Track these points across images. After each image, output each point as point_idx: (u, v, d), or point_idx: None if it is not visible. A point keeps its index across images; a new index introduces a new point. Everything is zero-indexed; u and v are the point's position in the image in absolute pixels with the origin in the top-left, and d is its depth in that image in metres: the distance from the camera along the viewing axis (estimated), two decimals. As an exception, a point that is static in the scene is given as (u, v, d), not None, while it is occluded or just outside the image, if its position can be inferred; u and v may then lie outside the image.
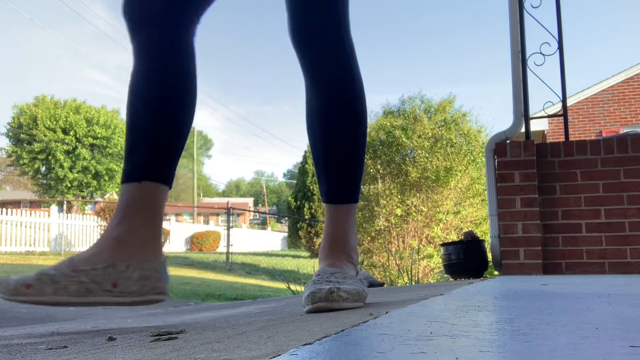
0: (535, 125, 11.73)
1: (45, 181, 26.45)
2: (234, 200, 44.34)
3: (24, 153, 25.50)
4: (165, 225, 21.11)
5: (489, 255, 3.14)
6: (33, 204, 34.15)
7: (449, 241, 4.60)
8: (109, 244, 1.09)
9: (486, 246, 3.46)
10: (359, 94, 1.30)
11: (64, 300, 1.05)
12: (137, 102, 1.16)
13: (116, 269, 1.07)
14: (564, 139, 3.04)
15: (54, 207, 14.75)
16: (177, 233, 21.80)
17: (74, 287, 1.04)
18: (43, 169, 26.21)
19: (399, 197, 8.99)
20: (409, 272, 6.59)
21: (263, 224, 48.17)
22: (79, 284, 1.05)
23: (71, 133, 25.72)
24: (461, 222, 8.73)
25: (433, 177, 8.72)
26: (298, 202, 20.59)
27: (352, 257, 1.28)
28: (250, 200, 58.33)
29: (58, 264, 1.08)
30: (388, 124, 9.46)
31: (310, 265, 14.60)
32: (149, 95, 1.15)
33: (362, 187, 9.58)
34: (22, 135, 25.69)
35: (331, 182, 1.28)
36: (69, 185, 25.93)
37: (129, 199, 1.11)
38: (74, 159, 25.74)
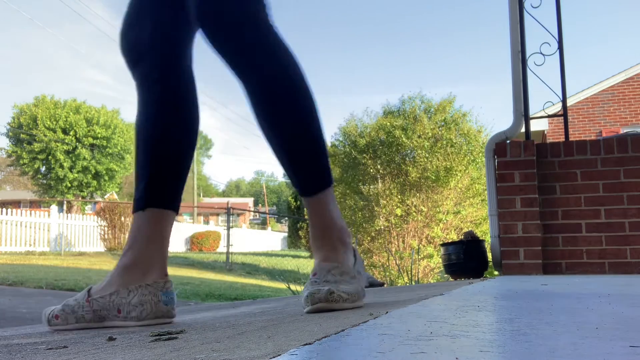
0: (535, 125, 11.72)
1: (45, 181, 26.45)
2: (234, 200, 44.35)
3: (24, 153, 25.50)
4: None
5: (489, 255, 3.14)
6: (33, 204, 34.14)
7: (449, 241, 4.60)
8: (117, 272, 1.18)
9: (486, 246, 3.46)
10: (292, 75, 1.16)
11: (85, 327, 1.18)
12: (137, 134, 1.23)
13: (119, 296, 1.16)
14: (564, 139, 3.04)
15: (54, 207, 14.74)
16: (177, 233, 21.79)
17: (89, 315, 1.18)
18: (43, 169, 26.20)
19: (399, 197, 8.98)
20: (409, 272, 6.59)
21: (263, 224, 48.15)
22: (93, 313, 1.17)
23: (71, 133, 25.72)
24: (461, 222, 8.72)
25: (433, 177, 8.72)
26: (298, 202, 20.60)
27: (344, 239, 1.23)
28: (250, 200, 58.33)
29: (78, 294, 1.21)
30: (388, 124, 9.46)
31: (310, 265, 14.60)
32: (147, 127, 1.22)
33: (362, 187, 9.61)
34: (22, 135, 25.69)
35: (298, 175, 1.21)
36: (69, 185, 25.92)
37: (136, 227, 1.20)
38: (74, 159, 25.74)
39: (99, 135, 26.24)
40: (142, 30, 1.21)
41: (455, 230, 8.63)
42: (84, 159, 25.83)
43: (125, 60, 1.24)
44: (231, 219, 14.30)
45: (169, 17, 1.21)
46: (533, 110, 3.15)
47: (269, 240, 30.21)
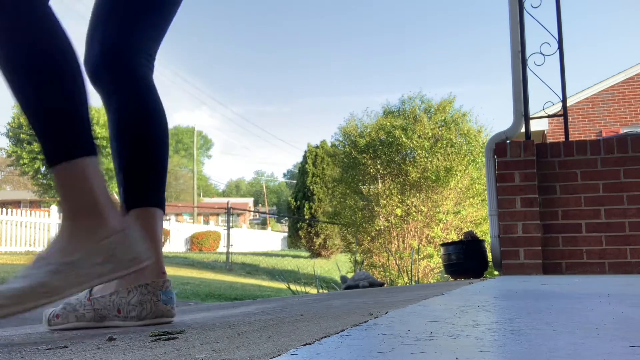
0: (535, 125, 11.72)
1: (45, 181, 26.45)
2: (234, 200, 44.28)
3: (24, 153, 25.51)
4: (165, 225, 21.01)
5: (489, 255, 3.14)
6: (33, 204, 34.14)
7: (449, 241, 4.60)
8: None
9: (486, 246, 3.46)
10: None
11: (85, 326, 1.19)
12: (110, 144, 1.30)
13: (119, 296, 1.17)
14: (564, 139, 3.04)
15: (54, 207, 14.74)
16: (177, 233, 21.79)
17: (90, 314, 1.18)
18: (43, 169, 26.20)
19: (399, 197, 8.98)
20: (409, 272, 6.59)
21: (263, 224, 48.13)
22: (94, 312, 1.18)
23: (71, 133, 25.69)
24: (461, 222, 8.72)
25: (433, 177, 8.72)
26: (298, 202, 20.58)
27: (75, 216, 1.06)
28: (250, 200, 58.28)
29: (80, 293, 1.18)
30: (388, 124, 9.46)
31: (310, 265, 14.59)
32: (112, 135, 1.28)
33: (362, 187, 9.61)
34: (22, 135, 25.69)
35: (41, 144, 1.09)
36: (69, 185, 25.91)
37: None
38: (74, 159, 25.71)
39: (99, 135, 26.19)
40: (92, 50, 1.26)
41: (455, 230, 8.63)
42: (84, 159, 25.81)
43: (91, 83, 1.28)
44: (231, 219, 14.31)
45: (113, 33, 1.24)
46: (533, 110, 3.15)
47: (269, 240, 30.20)
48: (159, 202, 1.25)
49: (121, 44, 1.24)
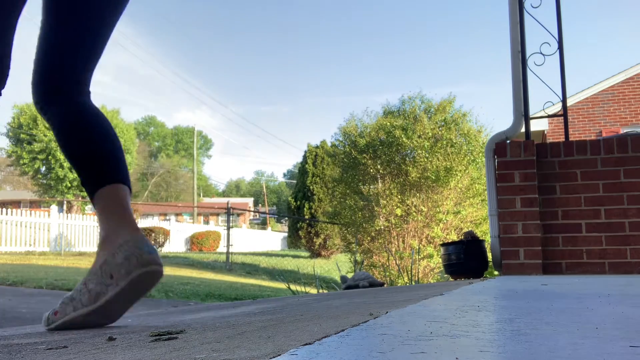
0: (535, 125, 11.72)
1: (45, 181, 26.44)
2: (234, 200, 44.27)
3: (24, 153, 25.49)
4: (165, 225, 20.91)
5: (489, 255, 3.14)
6: (33, 204, 34.14)
7: (449, 241, 4.60)
8: (99, 248, 1.27)
9: (486, 246, 3.46)
10: None
11: (82, 312, 1.21)
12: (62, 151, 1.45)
13: (107, 263, 1.22)
14: (564, 139, 3.04)
15: (54, 207, 14.74)
16: (177, 233, 21.78)
17: (85, 297, 1.21)
18: (43, 169, 26.20)
19: (399, 197, 8.98)
20: (409, 272, 6.59)
21: (263, 224, 48.11)
22: (89, 293, 1.21)
23: (71, 133, 25.67)
24: (461, 222, 8.72)
25: (433, 177, 8.71)
26: (298, 202, 20.57)
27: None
28: (250, 200, 58.28)
29: (77, 285, 1.28)
30: (388, 124, 9.45)
31: (310, 265, 14.59)
32: (59, 141, 1.43)
33: (362, 187, 9.62)
34: (22, 135, 25.68)
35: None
36: (69, 185, 25.91)
37: (98, 214, 1.32)
38: (74, 159, 25.69)
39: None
40: (33, 84, 1.44)
41: (455, 230, 8.62)
42: (84, 159, 25.79)
43: (36, 110, 1.46)
44: (231, 219, 14.30)
45: (47, 70, 1.41)
46: (533, 110, 3.15)
47: (269, 240, 30.20)
48: (114, 178, 1.32)
49: (53, 80, 1.40)
